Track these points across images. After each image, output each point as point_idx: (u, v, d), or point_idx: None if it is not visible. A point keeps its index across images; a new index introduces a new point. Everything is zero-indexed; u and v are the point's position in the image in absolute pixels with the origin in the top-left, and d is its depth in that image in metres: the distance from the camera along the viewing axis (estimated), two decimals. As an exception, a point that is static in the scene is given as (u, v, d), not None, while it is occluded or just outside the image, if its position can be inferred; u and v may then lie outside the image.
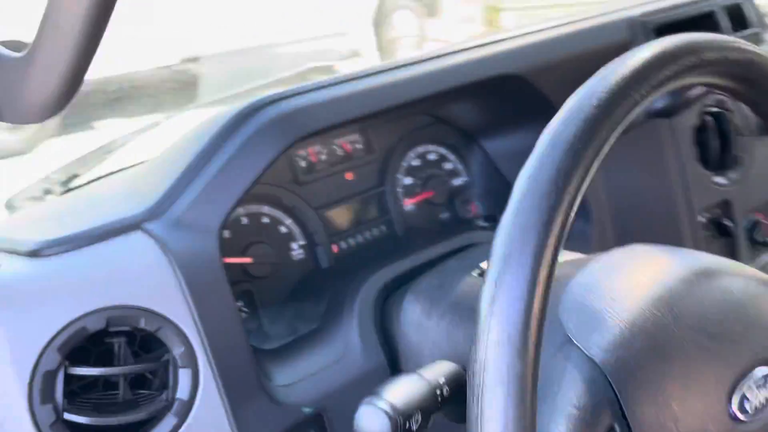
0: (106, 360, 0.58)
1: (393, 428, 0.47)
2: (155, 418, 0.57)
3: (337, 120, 0.67)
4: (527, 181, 0.41)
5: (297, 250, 0.81)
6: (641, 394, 0.46)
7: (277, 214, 0.80)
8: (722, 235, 0.93)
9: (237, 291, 0.75)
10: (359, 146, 0.87)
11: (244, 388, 0.60)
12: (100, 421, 0.54)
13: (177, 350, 0.58)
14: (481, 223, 0.93)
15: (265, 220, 0.79)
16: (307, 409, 0.62)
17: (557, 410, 0.45)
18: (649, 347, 0.47)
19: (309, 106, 0.65)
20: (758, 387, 0.50)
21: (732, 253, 0.95)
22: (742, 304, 0.52)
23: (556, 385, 0.47)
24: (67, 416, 0.53)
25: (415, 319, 0.68)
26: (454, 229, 0.87)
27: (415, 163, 0.92)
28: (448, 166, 0.95)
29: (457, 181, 0.95)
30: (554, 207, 0.39)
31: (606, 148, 0.42)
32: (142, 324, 0.57)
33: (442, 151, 0.94)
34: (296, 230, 0.81)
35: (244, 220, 0.77)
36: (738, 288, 0.53)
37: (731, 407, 0.48)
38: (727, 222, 0.92)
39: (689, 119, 0.90)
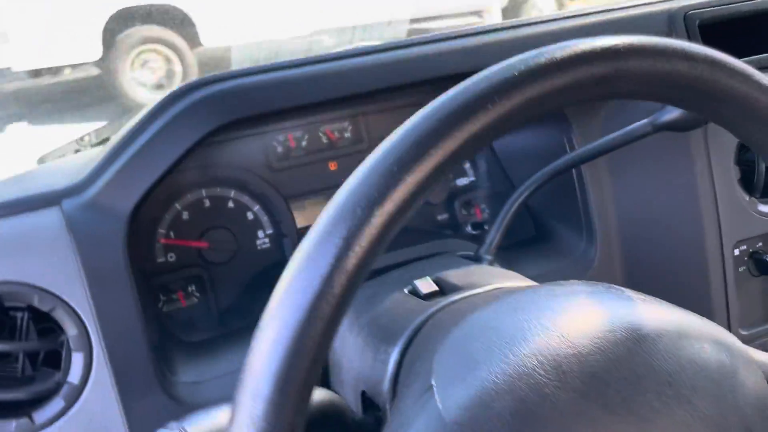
0: (11, 334, 0.57)
1: None
2: (45, 399, 0.57)
3: (276, 106, 0.62)
4: (336, 200, 0.34)
5: (262, 239, 0.77)
6: None
7: (244, 199, 0.76)
8: (762, 273, 0.78)
9: (188, 275, 0.73)
10: (347, 135, 0.82)
11: (137, 380, 0.57)
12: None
13: (71, 332, 0.56)
14: (469, 230, 0.84)
15: (231, 205, 0.76)
16: None
17: None
18: (515, 411, 0.39)
19: (242, 89, 0.61)
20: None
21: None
22: (667, 374, 0.42)
23: (414, 429, 0.40)
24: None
25: (342, 329, 0.62)
26: (434, 234, 0.79)
27: (414, 157, 0.85)
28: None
29: (461, 181, 0.87)
30: (352, 232, 0.33)
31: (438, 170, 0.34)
32: (36, 302, 0.56)
33: (448, 146, 0.86)
34: (264, 218, 0.77)
35: (207, 203, 0.75)
36: (676, 356, 0.43)
37: None
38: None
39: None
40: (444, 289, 0.59)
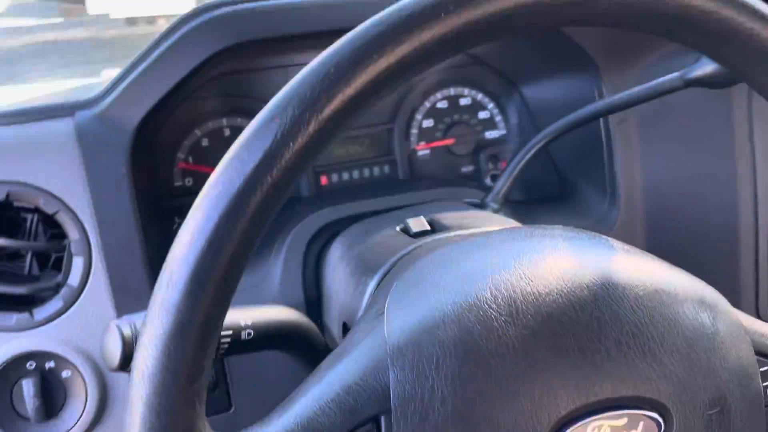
0: (22, 235, 0.61)
1: (123, 347, 0.44)
2: (45, 299, 0.60)
3: (283, 31, 0.62)
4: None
5: (279, 173, 0.78)
6: (424, 392, 0.37)
7: (263, 132, 0.77)
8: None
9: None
10: (374, 76, 0.80)
11: (132, 289, 0.60)
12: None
13: (73, 236, 0.59)
14: (488, 182, 0.82)
15: (250, 136, 0.77)
16: None
17: (338, 375, 0.38)
18: (459, 341, 0.38)
19: (251, 12, 0.61)
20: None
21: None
22: (634, 324, 0.40)
23: (357, 350, 0.40)
24: (-42, 273, 0.57)
25: (334, 261, 0.62)
26: (456, 181, 0.78)
27: (442, 105, 0.83)
28: (483, 115, 0.84)
29: (492, 134, 0.85)
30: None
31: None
32: (41, 204, 0.58)
33: (480, 97, 0.84)
34: (282, 153, 0.78)
35: (227, 132, 0.76)
36: (647, 308, 0.40)
37: None
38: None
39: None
40: (435, 229, 0.58)
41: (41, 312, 0.59)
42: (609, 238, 0.46)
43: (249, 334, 0.45)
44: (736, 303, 0.48)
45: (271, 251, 0.67)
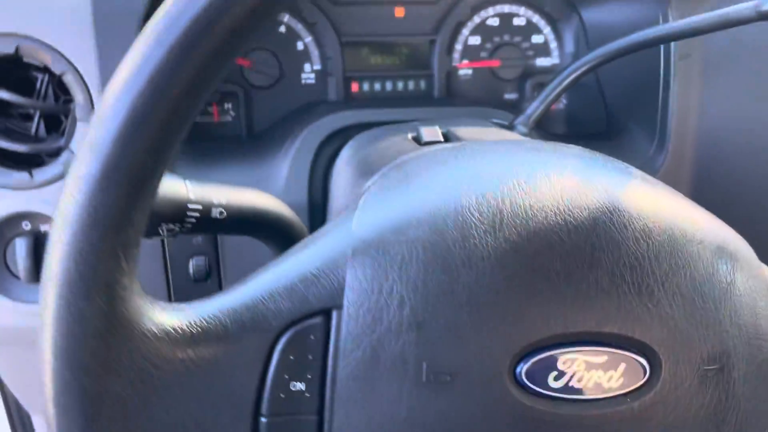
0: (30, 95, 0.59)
1: None
2: (46, 162, 0.59)
3: None
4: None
5: (308, 73, 0.74)
6: (382, 292, 0.34)
7: (297, 27, 0.73)
8: None
9: (225, 90, 0.72)
10: (422, -18, 0.75)
11: None
12: (-8, 139, 0.57)
13: (78, 99, 0.57)
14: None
15: (282, 29, 0.73)
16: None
17: (296, 263, 0.35)
18: (429, 243, 0.34)
19: None
20: (567, 363, 0.34)
21: None
22: (635, 257, 0.35)
23: (321, 241, 0.36)
24: (-36, 123, 0.57)
25: (340, 165, 0.59)
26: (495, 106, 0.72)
27: (492, 22, 0.76)
28: (537, 39, 0.78)
29: (543, 62, 0.78)
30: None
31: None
32: (50, 63, 0.56)
33: (536, 18, 0.77)
34: (314, 52, 0.74)
35: (258, 23, 0.72)
36: (656, 242, 0.35)
37: (518, 368, 0.34)
38: None
39: None
40: (448, 140, 0.53)
41: (41, 174, 0.58)
42: (632, 167, 0.41)
43: (221, 213, 0.42)
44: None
45: (282, 148, 0.64)
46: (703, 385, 0.35)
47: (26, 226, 0.58)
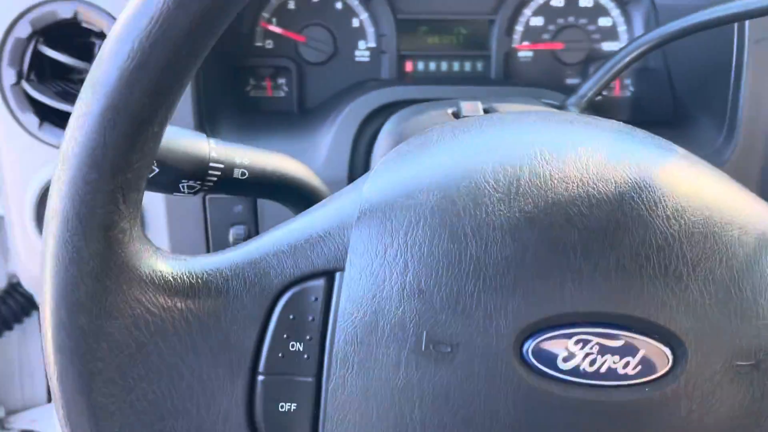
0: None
1: None
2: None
3: None
4: None
5: (362, 50, 0.73)
6: (386, 256, 0.32)
7: (353, 3, 0.72)
8: None
9: (279, 65, 0.72)
10: (484, -41, 0.72)
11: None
12: (48, 101, 0.59)
13: None
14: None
15: (339, 6, 0.72)
16: None
17: (304, 224, 0.34)
18: (437, 208, 0.33)
19: None
20: (579, 343, 0.32)
21: None
22: (663, 237, 0.32)
23: (331, 204, 0.35)
24: (25, 84, 0.59)
25: (380, 139, 0.58)
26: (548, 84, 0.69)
27: (557, 3, 0.73)
28: (604, 22, 0.74)
29: (610, 46, 0.74)
30: None
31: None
32: (106, 29, 0.58)
33: (604, 0, 0.73)
34: (369, 29, 0.73)
35: (314, -1, 0.72)
36: (688, 222, 0.33)
37: (525, 346, 0.32)
38: None
39: None
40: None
41: (93, 136, 0.60)
42: (676, 146, 0.37)
43: (243, 173, 0.42)
44: None
45: (326, 120, 0.64)
46: (734, 382, 0.32)
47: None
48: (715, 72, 0.63)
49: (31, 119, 0.60)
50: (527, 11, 0.73)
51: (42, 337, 0.31)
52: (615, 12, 0.73)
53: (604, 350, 0.32)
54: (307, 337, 0.33)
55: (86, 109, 0.29)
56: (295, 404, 0.33)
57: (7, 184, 0.62)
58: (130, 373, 0.31)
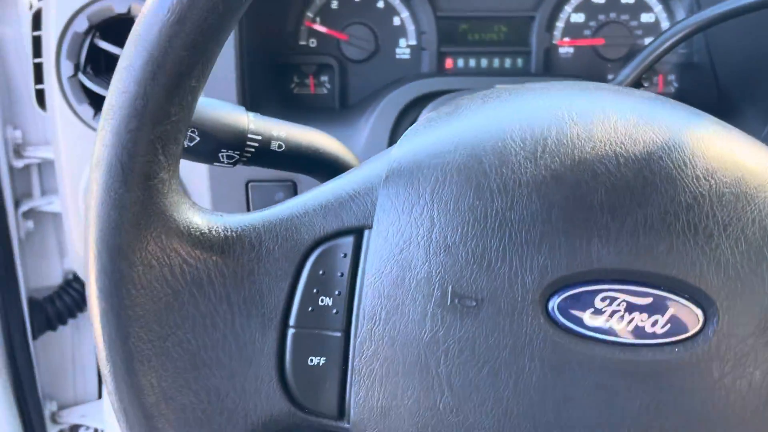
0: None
1: None
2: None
3: None
4: None
5: (403, 48, 0.75)
6: (413, 213, 0.33)
7: (395, 3, 0.74)
8: None
9: (322, 62, 0.74)
10: (523, -42, 0.73)
11: None
12: (103, 92, 0.62)
13: None
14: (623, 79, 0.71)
15: (380, 4, 0.74)
16: None
17: (335, 186, 0.36)
18: (463, 166, 0.33)
19: None
20: (605, 300, 0.32)
21: None
22: (693, 197, 0.32)
23: (361, 168, 0.37)
24: (82, 76, 0.63)
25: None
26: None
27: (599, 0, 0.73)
28: (646, 17, 0.74)
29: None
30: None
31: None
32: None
33: (647, -4, 0.73)
34: (410, 27, 0.74)
35: (357, -2, 0.74)
36: (719, 183, 0.33)
37: (550, 302, 0.32)
38: None
39: None
40: None
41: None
42: (701, 112, 0.37)
43: (280, 146, 0.44)
44: None
45: (366, 112, 0.65)
46: (764, 345, 0.32)
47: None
48: (760, 62, 0.62)
49: (87, 110, 0.63)
50: (568, 8, 0.73)
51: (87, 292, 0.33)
52: (658, 8, 0.73)
53: (631, 308, 0.32)
54: (336, 293, 0.34)
55: (128, 62, 0.30)
56: (324, 358, 0.34)
57: (64, 172, 0.65)
58: (166, 320, 0.33)
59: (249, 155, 0.43)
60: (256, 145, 0.43)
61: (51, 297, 0.99)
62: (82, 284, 0.99)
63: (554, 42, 0.74)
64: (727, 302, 0.31)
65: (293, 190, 0.62)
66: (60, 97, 0.63)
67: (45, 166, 0.89)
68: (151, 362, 0.33)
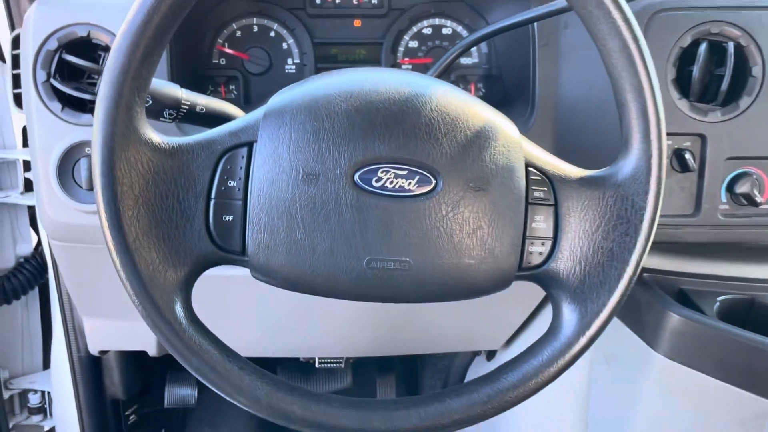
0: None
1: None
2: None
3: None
4: None
5: (290, 65, 1.03)
6: (279, 131, 0.60)
7: (283, 32, 1.02)
8: (683, 170, 0.88)
9: (230, 75, 1.01)
10: (374, 1, 1.04)
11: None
12: (69, 92, 0.87)
13: None
14: None
15: (272, 34, 1.03)
16: None
17: (233, 123, 0.63)
18: (307, 106, 0.61)
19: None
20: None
21: (696, 195, 0.89)
22: (428, 119, 0.61)
23: (251, 113, 0.64)
24: (52, 81, 0.87)
25: None
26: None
27: (427, 31, 1.04)
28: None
29: (465, 60, 1.05)
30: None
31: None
32: (110, 43, 0.87)
33: (459, 29, 1.05)
34: (294, 50, 1.03)
35: (255, 28, 1.02)
36: (444, 112, 0.61)
37: (355, 175, 0.60)
38: (688, 156, 0.87)
39: (675, 36, 0.86)
40: None
41: (100, 116, 0.87)
42: (446, 83, 0.67)
43: (202, 109, 0.71)
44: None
45: None
46: (466, 193, 0.60)
47: (88, 150, 0.87)
48: (523, 69, 0.94)
49: (56, 105, 0.87)
50: (406, 37, 1.04)
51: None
52: (466, 35, 1.05)
53: (397, 176, 0.60)
54: (238, 178, 0.61)
55: (118, 44, 0.57)
56: (232, 216, 0.60)
57: (37, 151, 0.88)
58: (138, 192, 0.58)
59: (182, 115, 0.70)
60: (187, 107, 0.70)
61: (7, 276, 1.19)
62: (32, 266, 1.19)
63: (398, 61, 1.04)
64: (446, 173, 0.60)
65: None
66: (35, 97, 0.87)
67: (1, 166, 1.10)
68: (130, 215, 0.58)
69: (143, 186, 0.59)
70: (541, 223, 0.63)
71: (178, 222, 0.60)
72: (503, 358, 1.25)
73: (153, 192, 0.59)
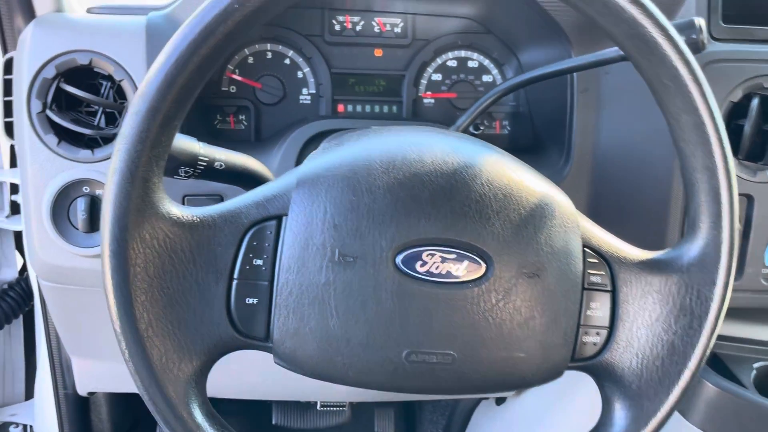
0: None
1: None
2: (105, 144, 0.81)
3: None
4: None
5: (305, 95, 0.96)
6: (314, 206, 0.53)
7: (299, 60, 0.95)
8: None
9: (240, 104, 0.94)
10: (397, 30, 0.97)
11: None
12: (66, 125, 0.79)
13: (131, 99, 0.79)
14: (472, 130, 0.96)
15: (287, 61, 0.95)
16: None
17: (261, 190, 0.55)
18: (344, 177, 0.54)
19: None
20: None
21: (740, 258, 0.84)
22: (479, 195, 0.54)
23: (277, 180, 0.56)
24: (49, 112, 0.79)
25: None
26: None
27: (452, 63, 0.98)
28: (487, 78, 0.99)
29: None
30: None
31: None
32: (113, 72, 0.79)
33: (486, 62, 0.98)
34: (310, 80, 0.96)
35: (269, 55, 0.95)
36: (495, 187, 0.55)
37: (397, 258, 0.53)
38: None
39: (725, 89, 0.80)
40: None
41: (100, 151, 0.80)
42: (495, 147, 0.60)
43: (221, 165, 0.63)
44: (660, 245, 0.61)
45: (277, 145, 0.86)
46: (522, 283, 0.54)
47: (86, 189, 0.80)
48: (558, 114, 0.88)
49: (52, 139, 0.79)
50: (429, 69, 0.97)
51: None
52: (495, 71, 0.98)
53: (444, 260, 0.53)
54: (265, 256, 0.54)
55: (136, 109, 0.49)
56: (257, 299, 0.54)
57: (29, 187, 0.81)
58: (153, 273, 0.51)
59: (199, 172, 0.62)
60: (204, 164, 0.62)
61: (-12, 304, 1.10)
62: (17, 293, 1.11)
63: (420, 94, 0.97)
64: (498, 257, 0.54)
65: (220, 202, 0.81)
66: (29, 129, 0.79)
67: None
68: (143, 300, 0.51)
69: (158, 266, 0.52)
70: (597, 311, 0.57)
71: (196, 306, 0.53)
72: (513, 403, 1.20)
73: (169, 272, 0.52)
